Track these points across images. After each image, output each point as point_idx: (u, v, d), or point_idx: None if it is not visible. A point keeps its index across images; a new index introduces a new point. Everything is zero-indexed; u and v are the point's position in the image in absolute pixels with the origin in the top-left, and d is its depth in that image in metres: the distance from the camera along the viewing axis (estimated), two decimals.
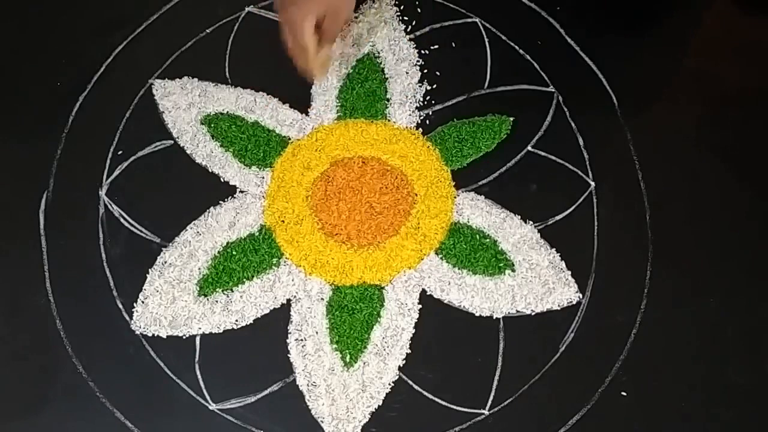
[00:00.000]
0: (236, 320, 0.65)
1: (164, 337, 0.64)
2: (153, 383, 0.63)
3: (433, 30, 0.74)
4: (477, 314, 0.65)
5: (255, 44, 0.74)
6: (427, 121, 0.71)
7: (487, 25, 0.74)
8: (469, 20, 0.74)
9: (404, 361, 0.63)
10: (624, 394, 0.63)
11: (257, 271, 0.66)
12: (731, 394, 0.63)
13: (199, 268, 0.66)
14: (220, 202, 0.68)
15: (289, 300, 0.65)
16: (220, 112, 0.71)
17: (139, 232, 0.68)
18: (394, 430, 0.62)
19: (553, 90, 0.72)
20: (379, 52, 0.73)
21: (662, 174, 0.69)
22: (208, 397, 0.63)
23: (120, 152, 0.70)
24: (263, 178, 0.69)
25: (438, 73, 0.73)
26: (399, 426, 0.62)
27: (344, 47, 0.73)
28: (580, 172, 0.69)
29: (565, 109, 0.71)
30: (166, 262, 0.66)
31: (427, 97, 0.72)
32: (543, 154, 0.70)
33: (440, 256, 0.67)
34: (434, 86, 0.72)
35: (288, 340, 0.64)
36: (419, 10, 0.75)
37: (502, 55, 0.73)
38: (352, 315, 0.65)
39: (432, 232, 0.67)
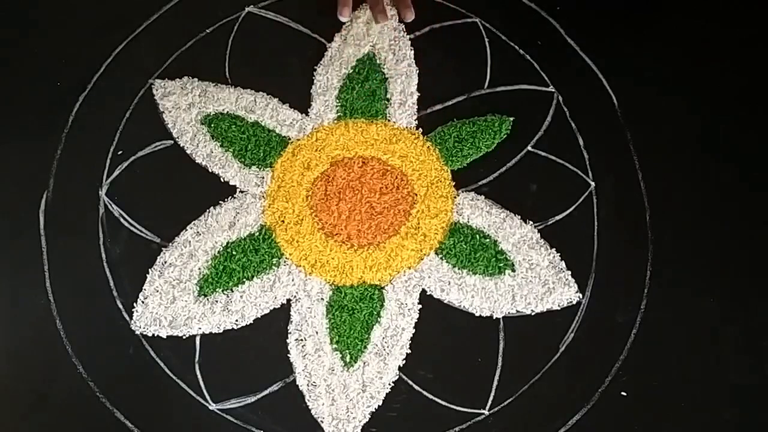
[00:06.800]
0: (236, 320, 0.65)
1: (164, 337, 0.64)
2: (153, 383, 0.63)
3: (433, 30, 0.74)
4: (477, 314, 0.65)
5: (255, 44, 0.74)
6: (428, 121, 0.71)
7: (487, 25, 0.74)
8: (469, 20, 0.74)
9: (404, 361, 0.64)
10: (624, 394, 0.63)
11: (257, 271, 0.66)
12: (731, 394, 0.63)
13: (199, 268, 0.66)
14: (220, 202, 0.68)
15: (289, 300, 0.65)
16: (220, 112, 0.71)
17: (139, 232, 0.68)
18: (394, 430, 0.62)
19: (553, 90, 0.72)
20: (379, 52, 0.73)
21: (662, 174, 0.69)
22: (208, 397, 0.63)
23: (120, 152, 0.70)
24: (263, 178, 0.69)
25: (438, 73, 0.73)
26: (399, 426, 0.62)
27: (344, 47, 0.73)
28: (580, 172, 0.69)
29: (565, 109, 0.71)
30: (166, 262, 0.66)
31: (428, 97, 0.72)
32: (543, 154, 0.70)
33: (440, 256, 0.67)
34: (434, 86, 0.72)
35: (288, 340, 0.64)
36: (419, 10, 0.75)
37: (502, 55, 0.73)
38: (352, 315, 0.65)
39: (432, 232, 0.67)
